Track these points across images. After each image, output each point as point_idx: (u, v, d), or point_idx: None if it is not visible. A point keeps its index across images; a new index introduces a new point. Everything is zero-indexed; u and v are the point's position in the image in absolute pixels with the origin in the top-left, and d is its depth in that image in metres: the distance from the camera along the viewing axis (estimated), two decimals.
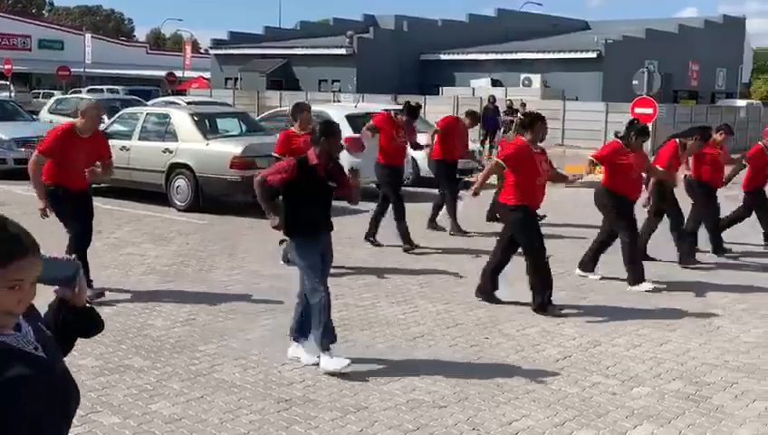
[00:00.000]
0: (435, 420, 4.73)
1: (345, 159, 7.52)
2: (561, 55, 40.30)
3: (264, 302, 7.30)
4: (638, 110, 20.02)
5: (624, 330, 6.65)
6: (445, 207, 10.97)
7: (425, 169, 15.35)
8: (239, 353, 5.83)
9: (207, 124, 13.22)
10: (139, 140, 13.01)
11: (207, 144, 12.30)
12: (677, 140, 9.13)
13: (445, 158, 10.94)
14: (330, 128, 5.70)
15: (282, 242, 8.19)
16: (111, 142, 12.75)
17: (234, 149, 12.12)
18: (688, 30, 45.58)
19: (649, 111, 19.93)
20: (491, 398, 5.08)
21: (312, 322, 5.55)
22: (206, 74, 52.12)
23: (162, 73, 50.54)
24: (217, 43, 50.65)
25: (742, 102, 41.40)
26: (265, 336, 6.27)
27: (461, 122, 11.26)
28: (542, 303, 7.00)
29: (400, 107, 18.06)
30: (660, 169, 8.78)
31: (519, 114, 25.56)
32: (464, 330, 6.55)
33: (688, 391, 5.31)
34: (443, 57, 44.70)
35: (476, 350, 6.08)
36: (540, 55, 40.87)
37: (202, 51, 65.35)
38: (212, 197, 12.34)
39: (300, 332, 5.70)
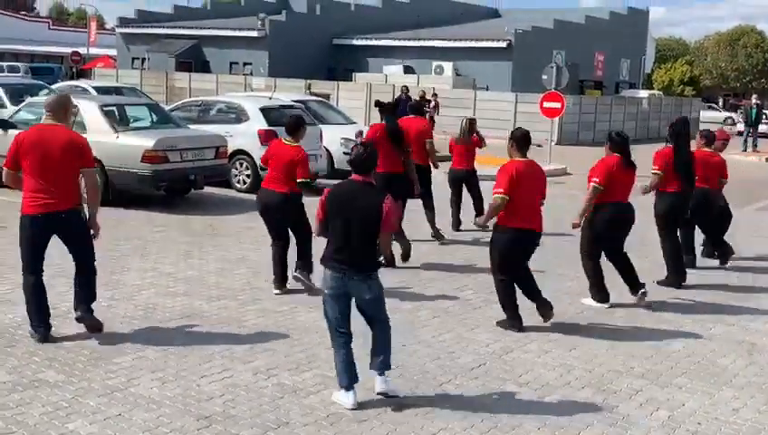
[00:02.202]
0: (356, 434, 4.83)
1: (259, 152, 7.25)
2: (473, 44, 40.90)
3: (180, 308, 7.24)
4: (546, 104, 20.57)
5: (534, 336, 6.87)
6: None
7: (340, 161, 15.41)
8: (156, 366, 5.78)
9: (117, 115, 12.92)
10: None
11: (117, 136, 12.02)
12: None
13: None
14: None
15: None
16: (16, 132, 12.51)
17: (145, 142, 11.90)
18: (594, 21, 46.87)
19: (557, 105, 20.49)
20: (409, 409, 5.20)
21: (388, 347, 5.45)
22: (112, 52, 50.62)
23: (66, 50, 48.90)
24: (124, 22, 49.28)
25: (644, 93, 42.88)
26: (183, 346, 6.21)
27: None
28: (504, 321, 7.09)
29: (313, 97, 17.79)
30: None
31: (431, 104, 25.97)
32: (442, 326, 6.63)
33: (596, 399, 5.56)
34: (356, 42, 44.72)
35: (393, 357, 6.14)
36: (452, 44, 41.36)
37: (108, 28, 63.38)
38: (123, 191, 12.09)
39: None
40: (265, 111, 14.62)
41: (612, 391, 5.71)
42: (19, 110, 13.57)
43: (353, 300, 5.31)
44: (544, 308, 7.09)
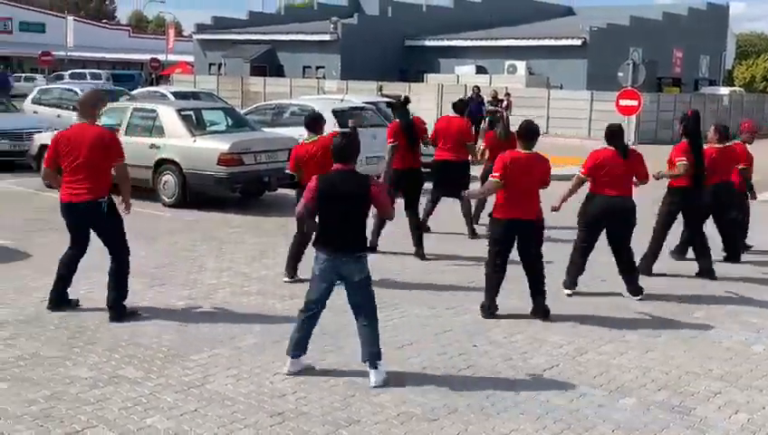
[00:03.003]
0: (426, 434, 4.82)
1: None
2: (547, 42, 40.44)
3: (255, 306, 7.37)
4: (623, 102, 20.20)
5: (610, 336, 6.76)
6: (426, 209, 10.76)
7: None
8: (231, 363, 5.89)
9: (194, 119, 13.23)
10: (127, 134, 12.98)
11: (194, 140, 12.31)
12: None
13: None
14: None
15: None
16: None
17: (221, 145, 12.15)
18: (672, 17, 45.80)
19: (634, 102, 20.10)
20: (480, 410, 5.18)
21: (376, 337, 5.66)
22: (189, 58, 51.84)
23: (145, 57, 50.29)
24: (201, 28, 50.36)
25: (725, 90, 41.69)
26: (256, 344, 6.33)
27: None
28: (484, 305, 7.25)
29: (384, 98, 17.89)
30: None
31: (503, 103, 25.76)
32: (452, 337, 6.64)
33: (673, 402, 5.43)
34: (428, 43, 44.75)
35: (465, 358, 6.16)
36: (525, 42, 40.98)
37: (185, 34, 64.91)
38: (199, 193, 12.39)
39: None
40: (337, 113, 14.74)
41: (690, 394, 5.58)
42: (100, 115, 13.96)
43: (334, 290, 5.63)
44: (537, 313, 7.20)
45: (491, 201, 7.92)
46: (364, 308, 5.65)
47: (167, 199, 12.47)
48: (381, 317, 7.03)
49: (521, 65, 38.91)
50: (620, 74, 21.12)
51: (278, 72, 44.36)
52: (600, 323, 7.10)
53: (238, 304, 7.44)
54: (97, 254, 7.14)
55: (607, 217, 7.82)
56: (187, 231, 10.82)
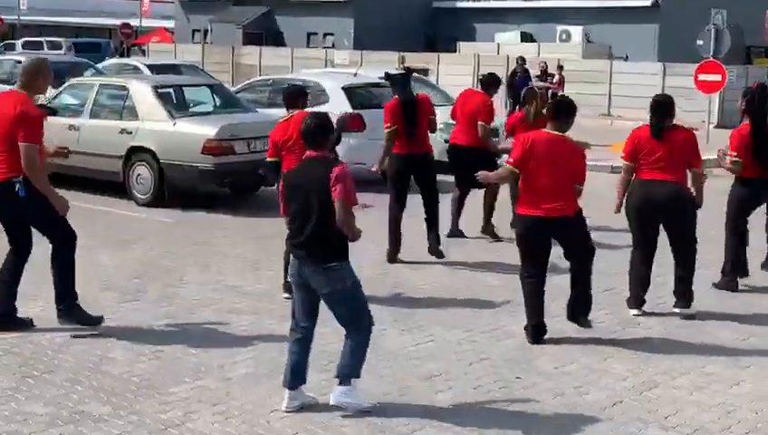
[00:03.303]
0: None
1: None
2: (609, 3, 40.21)
3: (248, 328, 7.40)
4: (702, 76, 20.13)
5: (686, 367, 6.74)
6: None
7: (440, 152, 15.39)
8: (218, 397, 5.92)
9: (174, 98, 13.30)
10: (92, 117, 13.08)
11: (174, 124, 12.37)
12: None
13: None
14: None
15: None
16: (58, 120, 13.07)
17: (206, 130, 12.20)
18: None
19: (717, 77, 20.01)
20: None
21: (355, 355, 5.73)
22: (169, 24, 52.10)
23: (115, 22, 50.51)
24: None
25: None
26: (249, 374, 6.35)
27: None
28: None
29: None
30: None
31: (554, 78, 25.71)
32: (490, 367, 6.65)
33: None
34: (460, 4, 44.66)
35: (506, 392, 6.17)
36: (581, 3, 40.79)
37: None
38: (179, 189, 12.43)
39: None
40: (349, 90, 14.76)
41: None
42: (60, 93, 14.11)
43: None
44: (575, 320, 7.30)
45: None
46: (345, 326, 5.72)
47: (140, 197, 12.54)
48: (402, 341, 7.10)
49: (576, 31, 38.75)
50: (700, 43, 21.03)
51: (276, 40, 44.46)
52: (673, 350, 7.07)
53: (227, 326, 7.47)
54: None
55: (649, 207, 7.84)
56: (165, 235, 10.87)
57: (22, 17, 52.90)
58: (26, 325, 7.13)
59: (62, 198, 6.98)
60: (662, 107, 7.90)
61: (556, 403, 6.01)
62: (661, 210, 7.84)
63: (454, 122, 11.18)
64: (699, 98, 21.00)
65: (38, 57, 7.73)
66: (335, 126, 6.93)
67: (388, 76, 10.31)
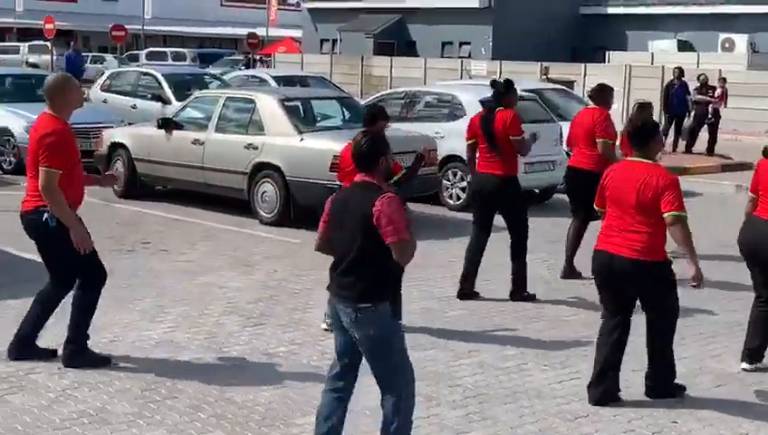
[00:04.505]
0: None
1: None
2: None
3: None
4: None
5: None
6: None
7: None
8: (348, 431, 5.96)
9: (302, 112, 13.53)
10: (217, 131, 13.42)
11: (301, 139, 12.58)
12: None
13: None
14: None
15: None
16: (182, 134, 13.48)
17: (335, 145, 12.36)
18: None
19: None
20: None
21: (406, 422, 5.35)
22: (296, 33, 53.11)
23: (240, 32, 51.83)
24: None
25: None
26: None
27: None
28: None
29: (551, 85, 17.57)
30: None
31: (715, 92, 25.10)
32: (643, 408, 6.52)
33: None
34: (611, 10, 44.18)
35: None
36: (746, 8, 39.82)
37: (291, 2, 66.59)
38: (305, 207, 12.60)
39: None
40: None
41: None
42: (185, 106, 14.55)
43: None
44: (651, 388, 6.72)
45: None
46: (377, 376, 5.29)
47: (265, 215, 12.79)
48: (549, 378, 6.99)
49: (741, 40, 37.80)
50: None
51: (409, 49, 44.82)
52: None
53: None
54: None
55: (752, 248, 7.31)
56: (290, 257, 11.05)
57: (146, 27, 54.77)
58: (41, 355, 7.08)
59: (84, 233, 6.79)
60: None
61: None
62: (746, 254, 7.38)
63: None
64: None
65: (59, 74, 7.79)
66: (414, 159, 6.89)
67: (493, 83, 10.07)
